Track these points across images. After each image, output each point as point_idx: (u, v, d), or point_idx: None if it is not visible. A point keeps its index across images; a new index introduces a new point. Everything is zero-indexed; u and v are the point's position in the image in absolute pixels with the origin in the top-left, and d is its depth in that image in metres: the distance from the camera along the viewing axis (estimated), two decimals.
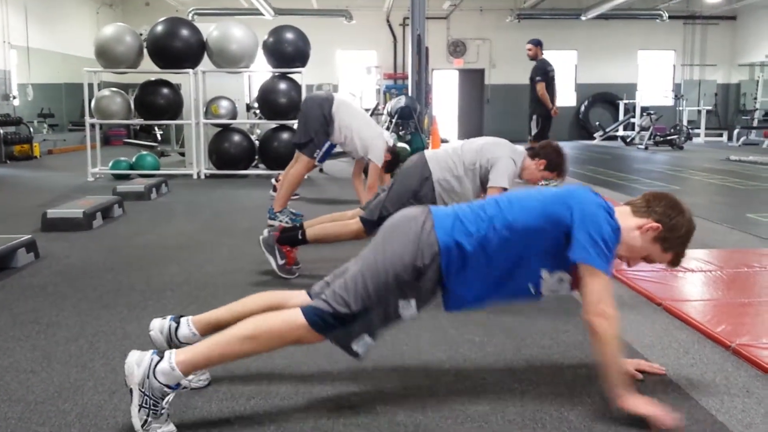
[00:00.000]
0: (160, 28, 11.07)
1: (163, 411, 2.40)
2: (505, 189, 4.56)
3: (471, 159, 4.74)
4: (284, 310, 2.58)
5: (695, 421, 2.59)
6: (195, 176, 11.34)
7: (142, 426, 2.36)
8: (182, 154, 13.89)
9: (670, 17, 22.06)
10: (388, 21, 23.66)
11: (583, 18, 22.23)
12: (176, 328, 2.83)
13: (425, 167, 4.74)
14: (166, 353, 2.43)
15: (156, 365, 2.39)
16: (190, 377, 2.85)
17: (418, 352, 3.30)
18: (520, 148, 4.87)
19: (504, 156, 4.72)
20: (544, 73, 10.42)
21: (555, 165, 4.80)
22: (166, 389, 2.39)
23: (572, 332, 3.60)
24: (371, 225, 4.57)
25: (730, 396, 2.83)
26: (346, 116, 6.49)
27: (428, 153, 4.93)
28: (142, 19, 15.08)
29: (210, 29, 11.28)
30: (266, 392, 2.84)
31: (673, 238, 2.66)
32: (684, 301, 4.11)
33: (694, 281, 4.60)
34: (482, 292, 2.66)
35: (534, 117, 10.48)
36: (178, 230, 6.65)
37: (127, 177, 10.92)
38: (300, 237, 4.65)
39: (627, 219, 2.67)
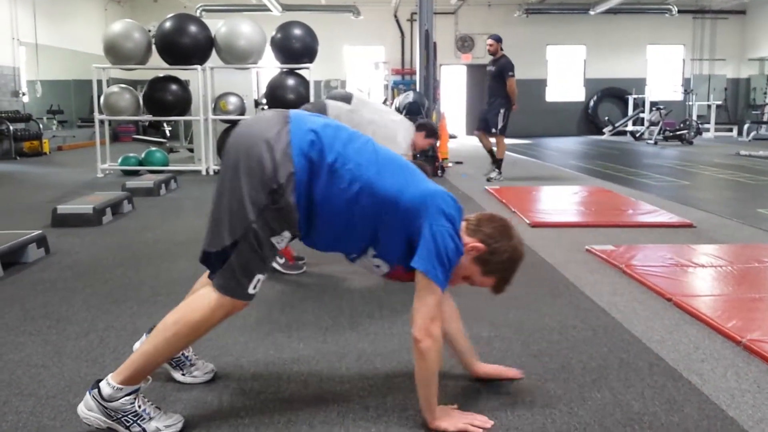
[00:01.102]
0: (168, 24, 11.08)
1: (146, 410, 2.41)
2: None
3: (368, 116, 5.29)
4: (197, 295, 2.53)
5: (706, 417, 2.58)
6: (204, 172, 11.36)
7: None
8: (191, 150, 13.91)
9: (679, 11, 22.00)
10: (395, 16, 23.63)
11: (591, 12, 22.19)
12: None
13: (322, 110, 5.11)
14: (101, 382, 2.39)
15: (100, 395, 2.37)
16: (196, 372, 2.89)
17: None
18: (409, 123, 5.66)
19: (400, 123, 5.51)
20: (513, 68, 10.46)
21: (432, 130, 5.79)
22: (129, 398, 2.38)
23: (580, 328, 3.60)
24: None
25: (741, 391, 2.82)
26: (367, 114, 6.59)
27: (330, 102, 5.42)
28: (151, 16, 15.10)
29: (218, 25, 11.29)
30: (276, 387, 2.84)
31: (495, 262, 2.53)
32: (694, 297, 4.11)
33: (705, 276, 4.59)
34: (320, 232, 2.53)
35: (502, 111, 10.45)
36: (187, 226, 6.66)
37: (136, 173, 10.96)
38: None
39: (462, 236, 2.55)
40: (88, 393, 2.40)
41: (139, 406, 2.40)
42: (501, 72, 10.65)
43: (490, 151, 10.85)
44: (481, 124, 10.86)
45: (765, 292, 4.28)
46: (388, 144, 4.96)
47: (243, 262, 2.42)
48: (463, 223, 2.58)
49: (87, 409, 2.39)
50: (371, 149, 2.56)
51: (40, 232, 5.32)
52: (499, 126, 10.54)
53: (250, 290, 2.45)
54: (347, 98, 6.51)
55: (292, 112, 2.57)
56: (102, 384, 2.39)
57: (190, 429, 2.47)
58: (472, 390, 2.82)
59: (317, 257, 5.09)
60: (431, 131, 5.84)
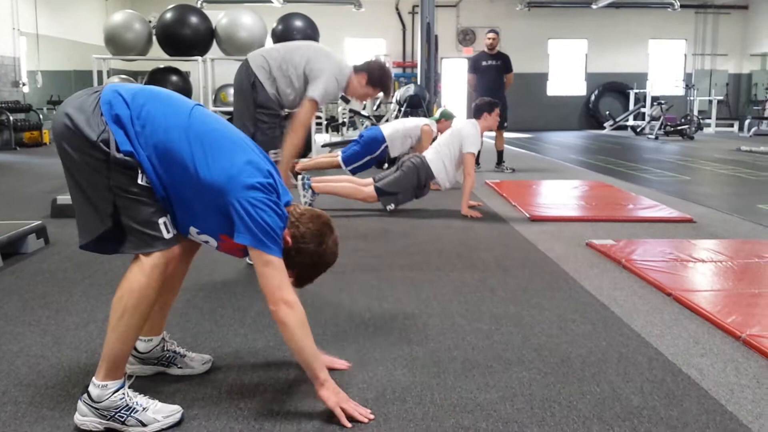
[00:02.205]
0: (169, 15, 11.05)
1: (137, 402, 2.41)
2: (315, 102, 4.56)
3: (297, 62, 4.64)
4: (131, 268, 2.48)
5: (705, 411, 2.58)
6: None
7: (145, 426, 2.39)
8: None
9: (681, 6, 21.96)
10: (397, 9, 23.62)
11: (593, 6, 22.17)
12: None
13: (249, 68, 4.70)
14: (89, 387, 2.39)
15: (90, 398, 2.38)
16: (192, 363, 2.88)
17: (426, 341, 3.30)
18: (347, 67, 4.76)
19: (328, 71, 4.61)
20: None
21: (376, 79, 4.70)
22: (117, 394, 2.38)
23: (579, 321, 3.60)
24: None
25: (741, 386, 2.83)
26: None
27: (251, 56, 4.81)
28: (151, 7, 15.06)
29: (219, 17, 11.26)
30: (275, 380, 2.84)
31: (297, 261, 2.56)
32: (694, 292, 4.11)
33: (705, 271, 4.59)
34: (172, 198, 2.48)
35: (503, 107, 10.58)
36: None
37: None
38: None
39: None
40: (79, 400, 2.41)
41: (130, 399, 2.40)
42: (506, 66, 10.69)
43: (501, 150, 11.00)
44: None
45: (765, 287, 4.28)
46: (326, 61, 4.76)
47: (135, 216, 2.38)
48: (291, 208, 2.59)
49: (81, 415, 2.39)
50: (184, 117, 2.51)
51: (40, 222, 5.32)
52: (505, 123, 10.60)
53: (165, 234, 2.41)
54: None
55: (106, 84, 2.57)
56: (90, 387, 2.39)
57: (190, 420, 2.47)
58: (470, 381, 2.83)
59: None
60: (376, 78, 4.89)
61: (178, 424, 2.43)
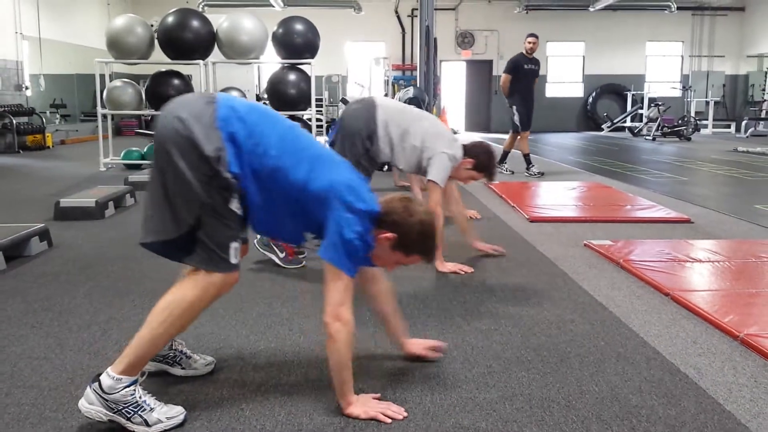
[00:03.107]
0: (170, 19, 11.07)
1: (146, 401, 2.43)
2: (435, 183, 4.58)
3: (414, 139, 4.65)
4: (188, 278, 2.52)
5: (703, 411, 2.60)
6: None
7: (148, 426, 2.40)
8: None
9: (678, 8, 21.95)
10: (396, 12, 23.62)
11: (591, 9, 22.16)
12: None
13: (371, 113, 4.68)
14: (101, 375, 2.41)
15: (101, 388, 2.39)
16: (196, 365, 2.90)
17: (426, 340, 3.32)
18: (458, 144, 4.73)
19: (441, 152, 4.62)
20: None
21: (483, 166, 4.70)
22: (129, 389, 2.40)
23: (578, 322, 3.62)
24: None
25: (738, 385, 2.85)
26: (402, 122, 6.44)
27: (380, 102, 4.79)
28: (153, 11, 15.07)
29: (220, 21, 11.28)
30: (276, 379, 2.87)
31: (409, 243, 2.61)
32: (692, 292, 4.13)
33: (702, 272, 4.61)
34: (259, 211, 2.58)
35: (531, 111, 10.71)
36: None
37: (138, 167, 10.96)
38: None
39: (375, 228, 2.62)
40: (88, 387, 2.42)
41: (140, 397, 2.42)
42: (538, 70, 10.78)
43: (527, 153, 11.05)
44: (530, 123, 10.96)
45: (762, 287, 4.30)
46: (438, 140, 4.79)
47: (213, 235, 2.44)
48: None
49: (88, 403, 2.40)
50: (292, 136, 2.61)
51: (43, 225, 5.34)
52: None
53: (232, 260, 2.48)
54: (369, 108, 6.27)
55: (218, 93, 2.62)
56: (102, 377, 2.40)
57: (192, 421, 2.49)
58: (470, 381, 2.85)
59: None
60: (483, 165, 4.77)
61: (180, 425, 2.45)
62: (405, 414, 2.54)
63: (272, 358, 3.10)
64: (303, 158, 2.54)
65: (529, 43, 10.61)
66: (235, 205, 2.46)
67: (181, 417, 2.47)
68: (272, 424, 2.47)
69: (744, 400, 2.71)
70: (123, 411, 2.39)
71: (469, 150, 4.72)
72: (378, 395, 2.66)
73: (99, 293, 4.13)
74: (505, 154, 11.15)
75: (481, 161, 4.69)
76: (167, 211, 2.47)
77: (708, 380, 2.89)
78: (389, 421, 2.49)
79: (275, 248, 4.75)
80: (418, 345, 3.09)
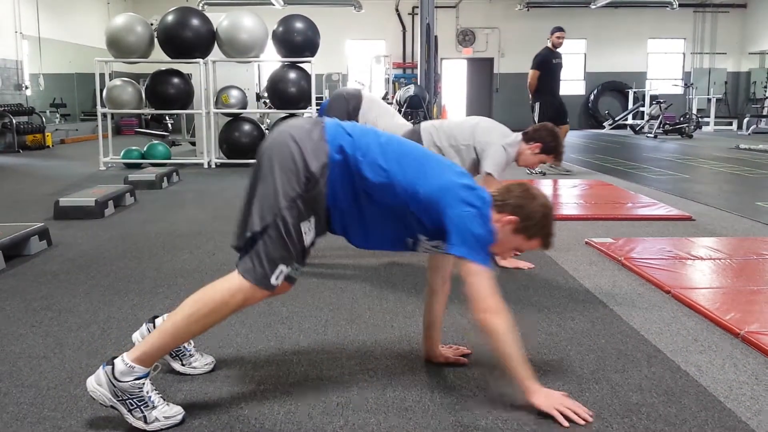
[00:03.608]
0: (170, 18, 11.08)
1: (152, 398, 2.42)
2: (490, 175, 4.58)
3: (462, 136, 4.71)
4: (222, 279, 2.53)
5: (704, 408, 2.59)
6: (206, 165, 11.37)
7: (146, 422, 2.39)
8: (193, 144, 13.93)
9: (680, 5, 21.93)
10: (397, 10, 23.61)
11: (592, 6, 22.16)
12: (153, 327, 2.81)
13: (417, 137, 4.75)
14: (116, 359, 2.42)
15: (113, 372, 2.39)
16: (195, 363, 2.90)
17: None
18: (513, 135, 4.75)
19: (496, 143, 4.64)
20: None
21: (550, 148, 4.67)
22: (137, 382, 2.40)
23: (579, 319, 3.62)
24: None
25: (739, 383, 2.84)
26: (373, 114, 6.40)
27: (423, 125, 4.97)
28: (153, 9, 15.07)
29: (220, 19, 11.29)
30: (276, 377, 2.86)
31: (531, 225, 2.63)
32: (693, 289, 4.12)
33: (703, 269, 4.60)
34: (354, 224, 2.62)
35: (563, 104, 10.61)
36: (189, 218, 6.68)
37: (138, 166, 10.96)
38: None
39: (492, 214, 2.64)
40: (101, 368, 2.42)
41: (147, 392, 2.41)
42: (562, 65, 10.75)
43: None
44: (563, 117, 10.76)
45: (763, 284, 4.29)
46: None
47: (269, 249, 2.45)
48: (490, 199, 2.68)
49: (97, 383, 2.40)
50: (396, 143, 2.66)
51: (42, 224, 5.34)
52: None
53: (272, 280, 2.47)
54: (357, 99, 6.41)
55: (325, 117, 2.68)
56: (117, 360, 2.41)
57: (191, 419, 2.48)
58: (471, 378, 2.84)
59: (318, 250, 5.11)
60: (551, 148, 4.70)
61: (178, 425, 2.45)
62: (592, 415, 2.50)
63: (271, 357, 3.10)
64: (409, 163, 2.58)
65: (558, 37, 10.58)
66: (306, 227, 2.49)
67: (179, 417, 2.46)
68: (271, 423, 2.46)
69: (745, 398, 2.70)
70: (127, 401, 2.39)
71: (533, 134, 4.70)
72: (565, 394, 2.62)
73: (98, 292, 4.13)
74: None
75: (547, 144, 4.65)
76: (245, 214, 2.54)
77: (709, 378, 2.88)
78: (566, 423, 2.45)
79: None
80: (449, 351, 3.09)
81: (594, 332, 3.42)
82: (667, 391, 2.74)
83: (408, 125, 6.53)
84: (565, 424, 2.44)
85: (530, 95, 10.72)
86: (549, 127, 4.78)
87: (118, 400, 2.39)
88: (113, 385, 2.38)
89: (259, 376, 2.88)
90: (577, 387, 2.77)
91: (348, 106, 5.99)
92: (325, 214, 2.56)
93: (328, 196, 2.51)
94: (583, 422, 2.45)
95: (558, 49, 10.65)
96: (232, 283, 2.48)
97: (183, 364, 2.89)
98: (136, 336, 2.87)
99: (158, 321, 2.81)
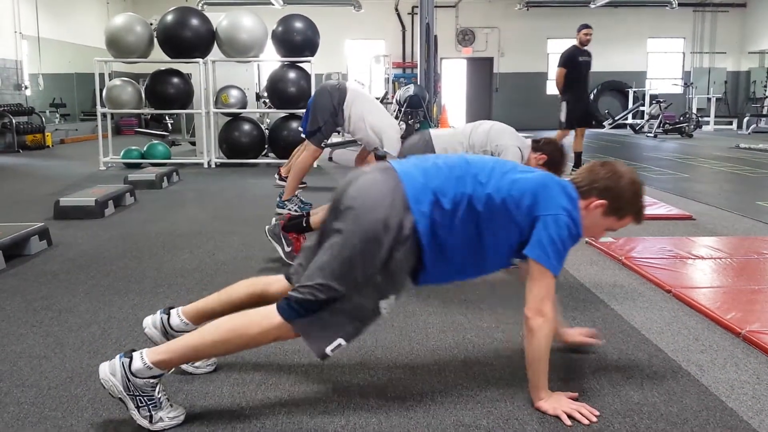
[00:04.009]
0: (170, 17, 11.08)
1: (160, 399, 2.42)
2: None
3: (480, 142, 4.78)
4: (259, 311, 2.48)
5: (705, 408, 2.59)
6: (206, 165, 11.37)
7: (150, 421, 2.39)
8: (193, 143, 13.93)
9: (679, 5, 21.95)
10: (396, 10, 23.61)
11: (591, 6, 22.17)
12: (168, 319, 2.83)
13: (429, 144, 4.80)
14: (135, 354, 2.41)
15: (129, 366, 2.37)
16: (198, 363, 2.89)
17: (426, 338, 3.32)
18: (526, 140, 4.86)
19: (512, 145, 4.76)
20: None
21: (555, 162, 4.67)
22: (152, 380, 2.39)
23: (579, 319, 3.61)
24: None
25: (741, 382, 2.84)
26: (359, 107, 6.38)
27: (433, 132, 5.05)
28: (152, 9, 15.07)
29: (220, 19, 11.29)
30: (276, 378, 2.86)
31: (622, 206, 2.66)
32: (694, 288, 4.12)
33: (704, 268, 4.60)
34: (456, 269, 2.62)
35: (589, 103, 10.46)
36: (189, 218, 6.67)
37: (138, 166, 10.95)
38: (305, 224, 4.68)
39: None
40: (118, 358, 2.41)
41: (158, 393, 2.41)
42: (591, 62, 10.52)
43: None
44: (588, 119, 10.60)
45: (764, 283, 4.28)
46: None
47: (333, 321, 2.41)
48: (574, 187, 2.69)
49: (111, 373, 2.39)
50: (464, 165, 2.63)
51: (43, 224, 5.33)
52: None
53: (327, 350, 2.41)
54: (341, 92, 6.45)
55: (398, 168, 2.57)
56: (135, 356, 2.40)
57: (192, 419, 2.48)
58: (471, 378, 2.84)
59: None
60: (553, 161, 4.72)
61: (179, 425, 2.44)
62: (597, 415, 2.51)
63: (272, 356, 3.09)
64: (488, 178, 2.57)
65: (585, 34, 10.31)
66: (384, 305, 2.46)
67: (182, 417, 2.46)
68: (272, 423, 2.46)
69: (746, 397, 2.70)
70: (137, 398, 2.38)
71: (543, 146, 4.74)
72: (575, 394, 2.64)
73: (99, 292, 4.12)
74: (578, 156, 10.56)
75: (553, 158, 4.69)
76: (314, 260, 2.47)
77: (710, 377, 2.88)
78: (569, 423, 2.46)
79: (284, 240, 4.71)
80: (576, 333, 3.14)
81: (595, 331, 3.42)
82: (668, 390, 2.74)
83: (394, 123, 6.56)
84: (568, 422, 2.45)
85: (559, 94, 10.53)
86: (559, 144, 4.84)
87: (128, 395, 2.38)
88: (127, 378, 2.37)
89: (260, 376, 2.87)
90: (578, 386, 2.77)
91: (332, 100, 6.15)
92: (414, 274, 2.55)
93: (424, 255, 2.48)
94: (587, 421, 2.46)
95: (586, 47, 10.41)
96: (271, 322, 2.42)
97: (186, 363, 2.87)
98: (148, 321, 2.87)
99: (173, 315, 2.82)
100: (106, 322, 3.57)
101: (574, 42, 10.42)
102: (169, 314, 2.84)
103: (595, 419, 2.48)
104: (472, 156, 2.76)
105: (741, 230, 5.99)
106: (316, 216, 4.74)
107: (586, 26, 10.41)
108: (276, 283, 2.82)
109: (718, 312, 3.59)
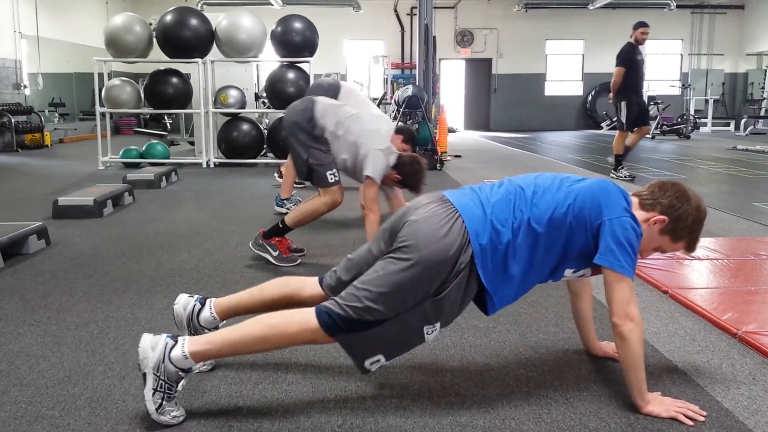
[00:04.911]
0: (169, 17, 11.08)
1: (176, 394, 2.42)
2: (372, 179, 4.73)
3: (354, 135, 4.85)
4: (298, 312, 2.49)
5: (701, 408, 2.59)
6: (204, 165, 11.38)
7: (157, 409, 2.38)
8: (192, 143, 13.94)
9: (677, 6, 21.98)
10: (395, 10, 23.63)
11: (590, 7, 22.19)
12: (200, 310, 2.85)
13: (308, 108, 4.89)
14: (179, 339, 2.43)
15: (171, 350, 2.39)
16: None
17: None
18: (390, 133, 4.98)
19: (376, 150, 4.80)
20: None
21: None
22: (180, 373, 2.40)
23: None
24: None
25: (737, 383, 2.84)
26: (351, 104, 6.37)
27: (320, 100, 5.03)
28: (152, 9, 15.08)
29: (219, 19, 11.30)
30: (274, 377, 2.86)
31: (681, 228, 2.63)
32: (690, 289, 4.13)
33: (701, 269, 4.61)
34: (516, 288, 2.59)
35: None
36: (187, 218, 6.68)
37: (137, 165, 10.97)
38: (281, 225, 4.74)
39: (636, 212, 2.62)
40: (164, 336, 2.43)
41: (179, 387, 2.43)
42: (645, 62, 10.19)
43: (628, 148, 10.40)
44: (647, 118, 10.39)
45: (760, 284, 4.29)
46: (373, 137, 4.92)
47: (375, 340, 2.43)
48: (636, 199, 2.68)
49: (151, 347, 2.40)
50: (513, 189, 2.63)
51: (41, 223, 5.34)
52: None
53: (366, 364, 2.45)
54: (335, 88, 6.45)
55: (454, 200, 2.57)
56: (177, 344, 2.41)
57: (190, 417, 2.48)
58: (468, 379, 2.85)
59: (314, 249, 5.13)
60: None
61: (177, 425, 2.44)
62: (703, 416, 2.52)
63: (270, 356, 3.09)
64: (537, 196, 2.58)
65: (641, 33, 10.04)
66: (428, 329, 2.46)
67: (181, 418, 2.45)
68: (270, 422, 2.47)
69: (742, 398, 2.70)
70: (160, 381, 2.39)
71: (400, 165, 4.87)
72: (659, 393, 2.64)
73: (97, 291, 4.13)
74: (617, 158, 10.38)
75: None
76: (366, 291, 2.45)
77: (706, 378, 2.89)
78: (691, 423, 2.47)
79: (268, 247, 4.75)
80: (609, 346, 3.10)
81: None
82: (664, 390, 2.73)
83: (383, 116, 6.53)
84: (690, 423, 2.46)
85: (612, 94, 10.25)
86: (417, 167, 4.90)
87: (154, 375, 2.38)
88: (162, 360, 2.38)
89: (257, 375, 2.88)
90: (575, 386, 2.78)
91: (326, 95, 6.03)
92: (480, 301, 2.58)
93: (486, 282, 2.49)
94: (702, 419, 2.49)
95: (641, 47, 10.14)
96: (311, 327, 2.43)
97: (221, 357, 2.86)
98: (181, 299, 2.90)
99: (205, 309, 2.84)
100: (104, 321, 3.58)
101: (629, 40, 10.15)
102: (203, 305, 2.86)
103: (702, 419, 2.50)
104: (523, 179, 2.73)
105: (737, 231, 6.00)
106: (289, 214, 4.79)
107: (643, 24, 10.16)
108: (310, 286, 2.85)
109: (714, 313, 3.60)
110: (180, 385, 2.43)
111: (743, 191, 8.89)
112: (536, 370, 2.95)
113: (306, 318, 2.45)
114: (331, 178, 4.82)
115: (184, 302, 2.89)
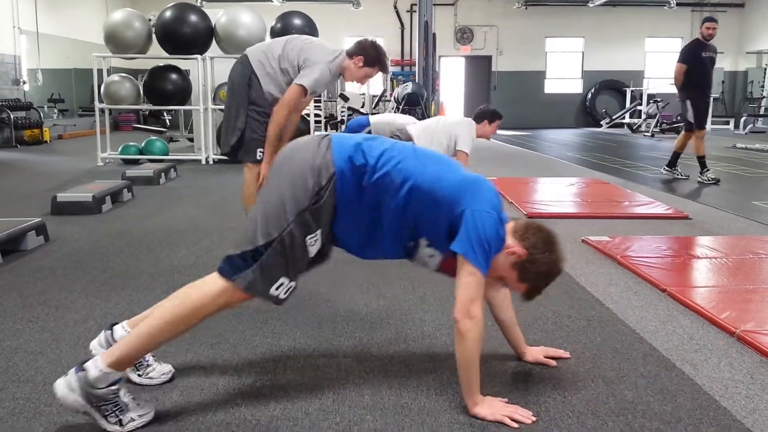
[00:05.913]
0: (168, 13, 11.08)
1: (125, 402, 2.38)
2: (302, 87, 4.53)
3: (291, 58, 4.65)
4: (200, 281, 2.52)
5: (699, 407, 2.60)
6: (203, 161, 11.37)
7: (122, 425, 2.35)
8: (191, 140, 13.93)
9: (677, 4, 22.01)
10: (395, 7, 23.62)
11: (590, 5, 22.22)
12: (111, 334, 2.72)
13: (248, 64, 4.70)
14: (89, 362, 2.37)
15: (86, 379, 2.33)
16: (152, 373, 2.80)
17: (422, 336, 3.33)
18: (340, 54, 4.74)
19: (320, 62, 4.61)
20: None
21: (374, 59, 4.67)
22: (112, 387, 2.35)
23: (575, 317, 3.62)
24: None
25: (735, 382, 2.85)
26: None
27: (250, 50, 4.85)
28: (151, 5, 15.08)
29: (218, 15, 11.29)
30: (272, 375, 2.86)
31: (532, 271, 2.58)
32: (689, 288, 4.14)
33: (699, 268, 4.61)
34: (360, 234, 2.62)
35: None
36: (186, 214, 6.67)
37: (136, 162, 10.97)
38: None
39: (507, 233, 2.60)
40: (73, 372, 2.36)
41: (120, 398, 2.37)
42: (716, 58, 9.75)
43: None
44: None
45: (759, 283, 4.30)
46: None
47: (271, 263, 2.45)
48: (512, 224, 2.64)
49: (68, 389, 2.33)
50: (410, 148, 2.66)
51: (40, 219, 5.33)
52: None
53: (272, 291, 2.48)
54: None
55: (332, 134, 2.67)
56: (89, 366, 2.35)
57: (187, 416, 2.49)
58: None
59: None
60: (373, 59, 4.72)
61: (151, 422, 2.42)
62: (533, 418, 2.49)
63: (268, 353, 3.10)
64: (428, 162, 2.60)
65: (707, 28, 9.57)
66: (311, 240, 2.50)
67: (151, 415, 2.43)
68: (267, 419, 2.47)
69: (740, 397, 2.71)
70: (102, 408, 2.34)
71: (353, 50, 4.71)
72: (505, 399, 2.61)
73: (95, 288, 4.12)
74: (676, 155, 10.16)
75: (369, 56, 4.67)
76: (249, 226, 2.52)
77: (704, 376, 2.89)
78: (516, 425, 2.44)
79: None
80: (538, 352, 3.06)
81: (590, 330, 3.43)
82: (663, 389, 2.74)
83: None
84: (515, 425, 2.44)
85: (678, 92, 9.92)
86: (369, 40, 4.79)
87: (92, 407, 2.34)
88: (86, 391, 2.33)
89: (256, 373, 2.88)
90: (573, 384, 2.78)
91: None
92: (330, 226, 2.57)
93: (337, 206, 2.52)
94: (529, 422, 2.46)
95: (711, 42, 9.66)
96: (216, 287, 2.47)
97: (140, 375, 2.78)
98: (94, 344, 2.76)
99: (117, 328, 2.73)
100: (102, 318, 3.57)
101: (697, 36, 9.82)
102: (112, 330, 2.75)
103: (531, 421, 2.47)
104: (427, 150, 2.76)
105: (736, 230, 6.00)
106: None
107: (711, 19, 9.66)
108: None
109: (712, 311, 3.60)
110: (123, 393, 2.38)
111: (742, 190, 8.90)
112: (534, 368, 2.96)
113: (209, 281, 2.49)
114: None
115: (96, 343, 2.76)
